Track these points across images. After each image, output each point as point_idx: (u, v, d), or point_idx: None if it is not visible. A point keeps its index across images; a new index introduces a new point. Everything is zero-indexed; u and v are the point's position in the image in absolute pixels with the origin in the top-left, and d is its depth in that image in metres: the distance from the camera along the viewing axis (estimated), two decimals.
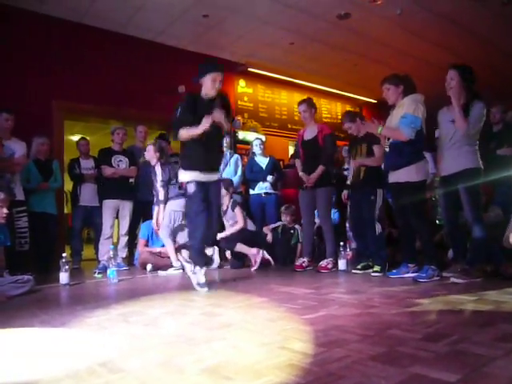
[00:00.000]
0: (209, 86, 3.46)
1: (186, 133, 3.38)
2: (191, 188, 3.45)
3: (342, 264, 4.46)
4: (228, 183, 5.26)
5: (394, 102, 3.83)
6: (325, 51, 7.38)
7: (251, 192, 5.93)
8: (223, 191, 5.05)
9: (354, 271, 4.29)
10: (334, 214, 5.59)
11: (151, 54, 6.74)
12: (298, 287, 3.42)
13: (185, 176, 3.53)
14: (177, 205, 4.85)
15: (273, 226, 5.58)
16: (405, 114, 3.63)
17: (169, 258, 5.02)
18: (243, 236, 5.09)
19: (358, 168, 4.38)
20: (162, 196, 4.88)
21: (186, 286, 3.61)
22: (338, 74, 8.40)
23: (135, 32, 6.45)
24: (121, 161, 5.48)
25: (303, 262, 4.65)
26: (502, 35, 6.91)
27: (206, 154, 3.46)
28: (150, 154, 5.00)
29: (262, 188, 5.80)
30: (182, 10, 5.92)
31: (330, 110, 9.33)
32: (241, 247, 5.08)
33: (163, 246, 5.06)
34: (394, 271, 3.88)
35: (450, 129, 3.61)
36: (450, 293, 2.95)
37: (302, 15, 6.15)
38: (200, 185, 3.46)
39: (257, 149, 5.93)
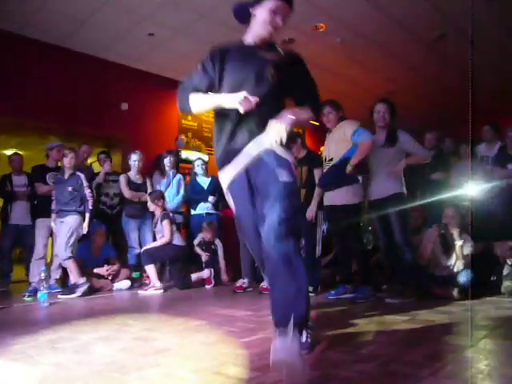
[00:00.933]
0: (264, 19, 2.05)
1: (201, 101, 2.08)
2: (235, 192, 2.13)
3: None
4: (157, 195, 5.12)
5: (333, 126, 3.96)
6: None
7: (192, 212, 5.87)
8: (151, 205, 4.99)
9: None
10: None
11: (96, 69, 6.57)
12: (237, 309, 3.39)
13: (223, 178, 2.17)
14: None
15: (195, 242, 5.57)
16: (355, 130, 3.75)
17: (106, 278, 4.87)
18: (168, 251, 4.95)
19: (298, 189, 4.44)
20: (91, 205, 4.76)
21: (121, 308, 3.48)
22: None
23: (80, 47, 6.28)
24: None
25: (243, 282, 4.63)
26: (433, 66, 7.36)
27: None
28: (70, 162, 4.81)
29: (203, 208, 5.76)
30: (127, 28, 5.86)
31: None
32: (195, 276, 5.09)
33: (102, 266, 4.94)
34: (333, 292, 3.94)
35: (380, 155, 3.80)
36: (384, 313, 3.03)
37: None
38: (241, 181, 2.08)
39: (198, 169, 5.89)
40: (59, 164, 5.34)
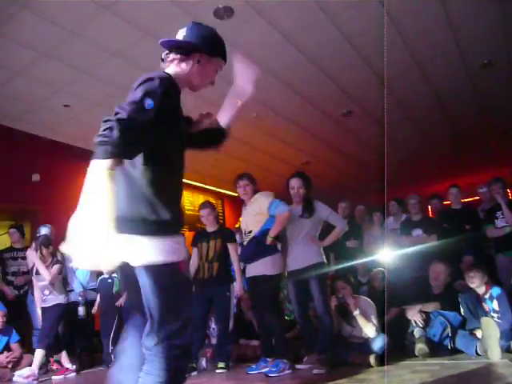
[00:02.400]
0: (207, 73, 1.91)
1: (97, 185, 1.44)
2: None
3: (201, 362, 4.28)
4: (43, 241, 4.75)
5: (249, 199, 4.05)
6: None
7: None
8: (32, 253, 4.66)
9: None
10: None
11: (6, 139, 6.28)
12: None
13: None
14: None
15: None
16: (271, 202, 3.85)
17: (5, 367, 4.39)
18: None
19: (209, 263, 4.32)
20: None
21: None
22: (200, 168, 8.69)
23: None
24: None
25: None
26: (342, 139, 7.92)
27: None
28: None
29: None
30: (42, 98, 5.74)
31: (193, 202, 9.52)
32: None
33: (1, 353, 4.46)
34: (253, 367, 3.83)
35: (298, 225, 3.90)
36: None
37: None
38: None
39: None
40: None
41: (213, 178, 9.22)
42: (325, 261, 3.89)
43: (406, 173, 8.30)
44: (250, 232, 3.94)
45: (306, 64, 5.45)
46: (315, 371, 3.48)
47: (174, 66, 1.82)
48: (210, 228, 4.49)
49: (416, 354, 3.81)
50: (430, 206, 6.20)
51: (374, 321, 3.89)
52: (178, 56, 1.80)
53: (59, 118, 6.30)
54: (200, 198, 9.69)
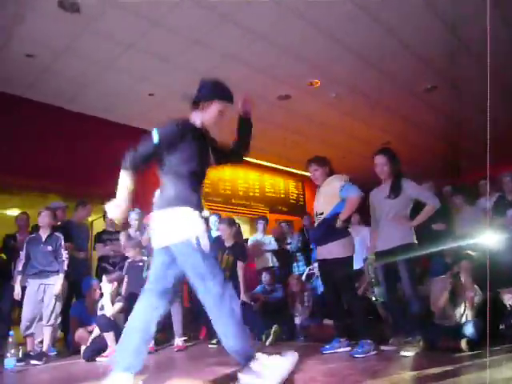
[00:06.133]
0: (212, 115, 2.59)
1: (120, 179, 2.44)
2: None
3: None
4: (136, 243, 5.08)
5: (321, 182, 4.00)
6: (267, 130, 7.68)
7: None
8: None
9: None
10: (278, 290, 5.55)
11: (95, 128, 6.75)
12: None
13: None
14: None
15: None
16: (343, 186, 3.79)
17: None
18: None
19: None
20: (66, 266, 4.69)
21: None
22: (280, 150, 8.72)
23: (79, 108, 6.48)
24: None
25: None
26: (425, 116, 7.54)
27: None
28: (43, 221, 4.76)
29: None
30: (127, 88, 6.07)
31: (274, 184, 9.58)
32: None
33: None
34: (328, 347, 3.81)
35: (385, 206, 3.77)
36: (389, 368, 2.93)
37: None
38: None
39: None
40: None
41: (293, 160, 9.20)
42: (415, 242, 3.71)
43: (497, 151, 7.73)
44: (322, 214, 3.90)
45: (386, 37, 5.23)
46: (403, 353, 3.40)
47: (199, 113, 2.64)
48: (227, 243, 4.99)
49: None
50: None
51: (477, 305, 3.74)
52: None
53: (145, 107, 6.62)
54: (280, 181, 9.75)
